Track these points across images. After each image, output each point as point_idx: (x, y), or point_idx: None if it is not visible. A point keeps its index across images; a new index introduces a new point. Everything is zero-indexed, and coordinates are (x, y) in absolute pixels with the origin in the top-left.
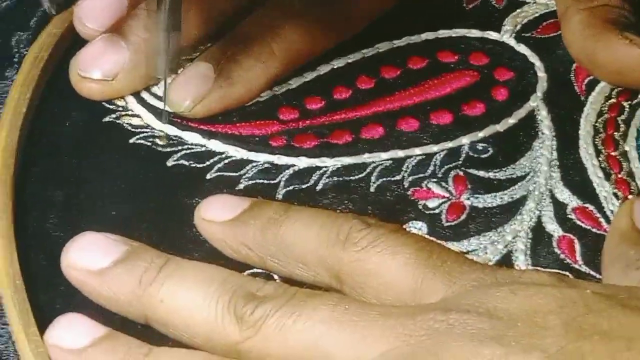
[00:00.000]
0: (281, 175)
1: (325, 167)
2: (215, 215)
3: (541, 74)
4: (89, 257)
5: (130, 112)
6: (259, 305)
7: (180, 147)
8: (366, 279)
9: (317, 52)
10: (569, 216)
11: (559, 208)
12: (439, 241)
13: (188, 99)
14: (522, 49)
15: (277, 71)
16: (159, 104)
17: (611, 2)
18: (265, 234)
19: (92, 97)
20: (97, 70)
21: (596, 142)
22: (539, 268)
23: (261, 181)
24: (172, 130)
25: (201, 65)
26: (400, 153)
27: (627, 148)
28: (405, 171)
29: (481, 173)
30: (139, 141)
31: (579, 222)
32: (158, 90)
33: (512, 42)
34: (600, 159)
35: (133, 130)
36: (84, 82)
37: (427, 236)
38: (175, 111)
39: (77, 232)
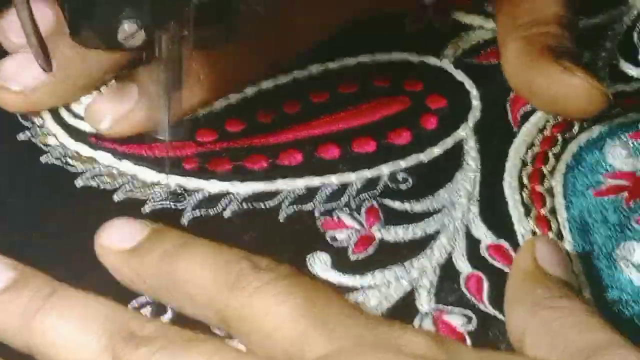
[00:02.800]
0: (190, 199)
1: (237, 192)
2: (112, 242)
3: (475, 102)
4: None
5: (45, 131)
6: (137, 347)
7: (90, 167)
8: (251, 326)
9: (246, 79)
10: (482, 254)
11: (472, 244)
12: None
13: (108, 117)
14: (460, 75)
15: (203, 97)
16: (77, 123)
17: (551, 30)
18: (160, 267)
19: (7, 108)
20: (16, 82)
21: (521, 176)
22: (418, 330)
23: (168, 205)
24: (84, 150)
25: (125, 84)
26: (315, 181)
27: (553, 183)
28: (318, 200)
29: (397, 204)
30: (52, 161)
31: (491, 260)
32: (78, 108)
33: (450, 68)
34: (523, 193)
35: (45, 149)
36: (3, 92)
37: (330, 269)
38: (94, 128)
39: None
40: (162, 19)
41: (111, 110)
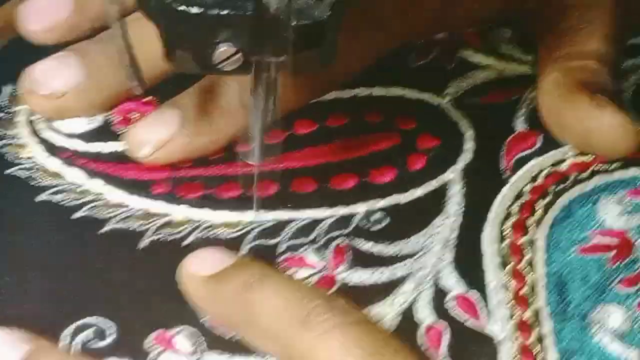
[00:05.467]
0: (152, 224)
1: (203, 221)
2: (197, 269)
3: (469, 144)
4: None
5: (17, 142)
6: None
7: (55, 183)
8: None
9: (285, 110)
10: (447, 304)
11: (439, 294)
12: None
13: (149, 145)
14: (456, 116)
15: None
16: (53, 137)
17: (589, 65)
18: (237, 296)
19: (38, 112)
20: (46, 86)
21: (503, 227)
22: None
23: (126, 227)
24: (53, 165)
25: (167, 111)
26: (284, 215)
27: (537, 236)
28: (285, 235)
29: (367, 246)
30: (17, 172)
31: (455, 311)
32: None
33: (448, 107)
34: (502, 245)
35: (11, 161)
36: (31, 95)
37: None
38: (133, 156)
39: None
40: (260, 43)
41: (152, 136)
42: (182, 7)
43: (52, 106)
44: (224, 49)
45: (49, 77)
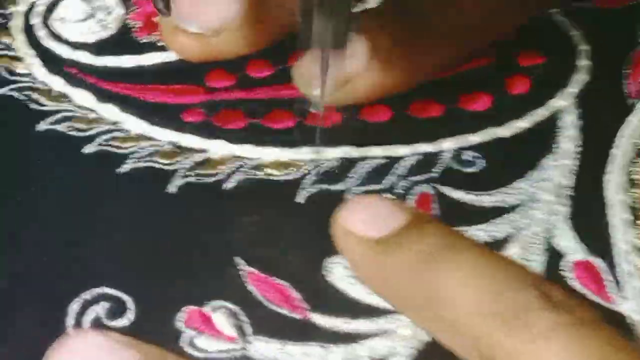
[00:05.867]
0: (183, 162)
1: (247, 158)
2: (357, 227)
3: (583, 62)
4: None
5: (13, 54)
6: None
7: (59, 108)
8: None
9: (492, 34)
10: (563, 272)
11: (554, 260)
12: None
13: (329, 80)
14: (566, 25)
15: (448, 56)
16: (57, 48)
17: None
18: (413, 272)
19: (182, 55)
20: (197, 22)
21: (631, 170)
22: None
23: (152, 165)
24: (58, 85)
25: (354, 40)
26: (353, 152)
27: None
28: (353, 179)
29: (458, 195)
30: (10, 92)
31: (574, 282)
32: (59, 25)
33: (554, 14)
34: (632, 192)
35: (5, 77)
36: (176, 34)
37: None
38: (305, 93)
39: None
40: None
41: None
42: None
43: (203, 48)
44: None
45: (199, 11)
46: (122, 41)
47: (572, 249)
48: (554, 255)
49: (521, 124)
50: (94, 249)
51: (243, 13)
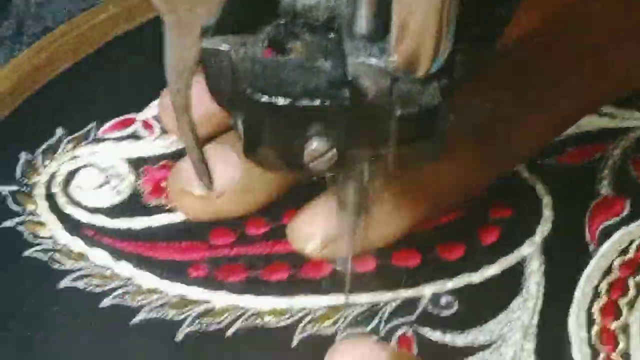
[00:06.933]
0: (190, 312)
1: (247, 308)
2: None
3: (547, 212)
4: None
5: (36, 219)
6: None
7: (79, 266)
8: None
9: (469, 191)
10: None
11: None
12: None
13: (316, 239)
14: (532, 179)
15: (427, 212)
16: (76, 213)
17: None
18: None
19: (191, 215)
20: (201, 185)
21: (592, 310)
22: None
23: (161, 316)
24: (76, 245)
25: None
26: (341, 299)
27: (630, 320)
28: (341, 323)
29: (435, 335)
30: (35, 254)
31: None
32: (77, 193)
33: (522, 170)
34: (592, 331)
35: (29, 241)
36: (183, 196)
37: None
38: (299, 249)
39: None
40: (360, 135)
41: (319, 231)
42: (266, 99)
43: (207, 208)
44: (316, 144)
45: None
46: (134, 205)
47: None
48: None
49: (492, 270)
50: None
51: (243, 178)
